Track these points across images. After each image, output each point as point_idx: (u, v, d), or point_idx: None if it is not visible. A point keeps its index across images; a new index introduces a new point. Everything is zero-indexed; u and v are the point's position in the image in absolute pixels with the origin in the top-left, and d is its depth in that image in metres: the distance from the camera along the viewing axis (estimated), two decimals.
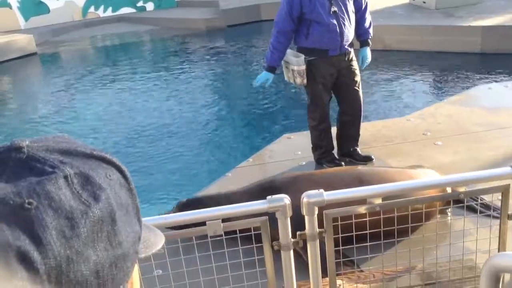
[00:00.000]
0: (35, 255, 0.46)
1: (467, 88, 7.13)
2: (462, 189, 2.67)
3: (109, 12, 15.86)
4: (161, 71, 10.56)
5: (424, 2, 10.78)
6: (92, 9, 15.73)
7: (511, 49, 8.58)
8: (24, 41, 12.52)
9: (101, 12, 15.83)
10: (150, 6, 16.24)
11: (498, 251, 2.37)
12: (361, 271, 2.79)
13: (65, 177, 0.50)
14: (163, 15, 15.17)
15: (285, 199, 2.12)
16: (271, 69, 4.13)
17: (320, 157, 4.37)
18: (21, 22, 14.82)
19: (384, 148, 4.68)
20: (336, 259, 2.32)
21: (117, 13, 15.89)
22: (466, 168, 3.94)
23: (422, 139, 4.80)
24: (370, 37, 4.23)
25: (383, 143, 4.79)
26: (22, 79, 11.06)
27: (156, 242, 0.62)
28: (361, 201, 2.25)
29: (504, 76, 7.84)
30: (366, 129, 5.16)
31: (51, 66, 12.00)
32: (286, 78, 4.20)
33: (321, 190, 2.16)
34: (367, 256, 2.40)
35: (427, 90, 8.06)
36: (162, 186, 5.61)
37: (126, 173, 0.57)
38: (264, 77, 4.16)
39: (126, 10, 15.98)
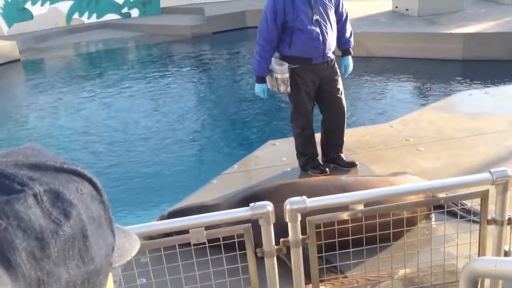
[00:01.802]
0: (5, 278, 0.45)
1: (449, 94, 7.23)
2: (442, 195, 2.71)
3: (93, 19, 15.78)
4: (146, 77, 10.53)
5: (407, 10, 10.93)
6: (76, 15, 15.64)
7: (492, 56, 8.74)
8: (7, 48, 12.39)
9: (85, 19, 15.75)
10: (135, 13, 16.20)
11: (478, 255, 2.41)
12: (345, 277, 2.81)
13: (35, 195, 0.49)
14: (148, 21, 15.14)
15: (268, 206, 2.14)
16: (262, 79, 4.14)
17: (305, 163, 4.40)
18: (4, 29, 14.68)
19: (368, 154, 4.73)
20: (319, 265, 2.34)
21: (102, 19, 15.82)
22: (448, 174, 4.00)
23: (405, 145, 4.86)
24: (351, 46, 4.31)
25: (366, 149, 4.84)
26: (5, 86, 10.93)
27: (131, 248, 0.62)
28: (344, 207, 2.27)
29: (485, 83, 7.98)
30: (350, 135, 5.20)
31: (35, 73, 11.89)
32: (269, 86, 4.20)
33: (304, 197, 2.18)
34: (350, 262, 2.42)
35: (409, 96, 8.16)
36: (146, 194, 5.58)
37: (98, 185, 0.56)
38: (260, 89, 4.18)
39: (111, 17, 15.92)
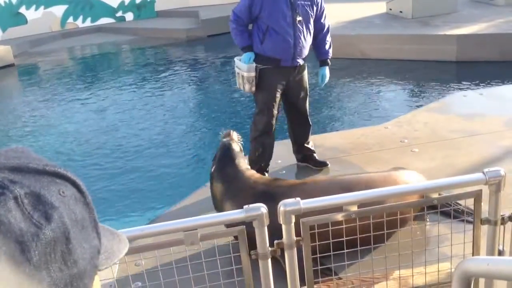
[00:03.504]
0: None
1: (443, 95, 7.26)
2: (436, 195, 2.72)
3: (88, 23, 15.77)
4: (141, 81, 10.53)
5: (401, 12, 10.98)
6: (71, 19, 15.62)
7: (486, 57, 8.78)
8: (2, 53, 12.36)
9: (80, 23, 15.74)
10: (129, 16, 16.20)
11: (473, 255, 2.41)
12: (339, 278, 2.81)
13: (15, 198, 0.49)
14: (143, 25, 15.15)
15: (262, 208, 2.14)
16: (248, 48, 4.06)
17: None
18: None
19: (363, 156, 4.74)
20: (314, 267, 2.34)
21: (96, 23, 15.81)
22: (442, 174, 4.01)
23: (399, 146, 4.87)
24: (329, 57, 4.31)
25: (361, 151, 4.85)
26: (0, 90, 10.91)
27: (119, 250, 0.61)
28: (338, 209, 2.27)
29: (479, 84, 8.01)
30: (345, 137, 5.22)
31: (29, 78, 11.87)
32: (237, 84, 4.21)
33: (298, 199, 2.18)
34: (344, 263, 2.42)
35: (404, 98, 8.19)
36: (141, 197, 5.57)
37: (82, 187, 0.56)
38: (247, 56, 4.06)
39: (105, 21, 15.91)
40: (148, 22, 15.47)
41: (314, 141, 4.66)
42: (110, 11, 15.95)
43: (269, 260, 2.24)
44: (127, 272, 2.25)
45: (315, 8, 4.05)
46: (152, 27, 14.70)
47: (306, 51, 4.11)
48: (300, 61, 4.09)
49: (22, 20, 14.97)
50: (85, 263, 0.53)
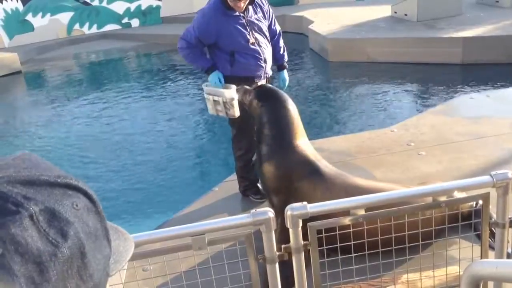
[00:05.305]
0: None
1: (449, 98, 7.24)
2: (443, 199, 2.71)
3: (94, 29, 15.88)
4: (147, 87, 10.57)
5: (406, 15, 10.98)
6: (77, 26, 15.73)
7: (492, 60, 8.75)
8: (9, 60, 12.46)
9: (86, 29, 15.84)
10: (135, 23, 16.30)
11: (481, 258, 2.40)
12: (347, 282, 2.80)
13: (30, 216, 0.48)
14: (149, 31, 15.23)
15: (269, 212, 2.14)
16: (212, 68, 3.95)
17: (246, 188, 4.27)
18: (5, 41, 14.77)
19: (369, 159, 4.73)
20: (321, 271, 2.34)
21: (102, 30, 15.92)
22: (449, 178, 3.99)
23: (406, 150, 4.86)
24: (285, 61, 4.29)
25: (368, 155, 4.84)
26: (6, 97, 10.98)
27: (126, 250, 0.61)
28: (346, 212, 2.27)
29: (485, 86, 7.99)
30: (351, 141, 5.21)
31: (36, 85, 11.95)
32: (212, 112, 4.02)
33: (305, 203, 2.18)
34: (352, 267, 2.42)
35: (410, 101, 8.17)
36: (148, 202, 5.58)
37: (93, 197, 0.56)
38: (215, 77, 3.94)
39: (111, 27, 16.01)
40: (153, 28, 15.55)
41: (320, 145, 4.65)
42: (116, 18, 16.05)
43: (277, 265, 2.24)
44: (135, 277, 2.26)
45: (266, 17, 4.04)
46: (157, 33, 14.77)
47: (271, 61, 4.12)
48: (270, 72, 4.10)
49: (29, 27, 15.09)
50: (99, 275, 0.53)
